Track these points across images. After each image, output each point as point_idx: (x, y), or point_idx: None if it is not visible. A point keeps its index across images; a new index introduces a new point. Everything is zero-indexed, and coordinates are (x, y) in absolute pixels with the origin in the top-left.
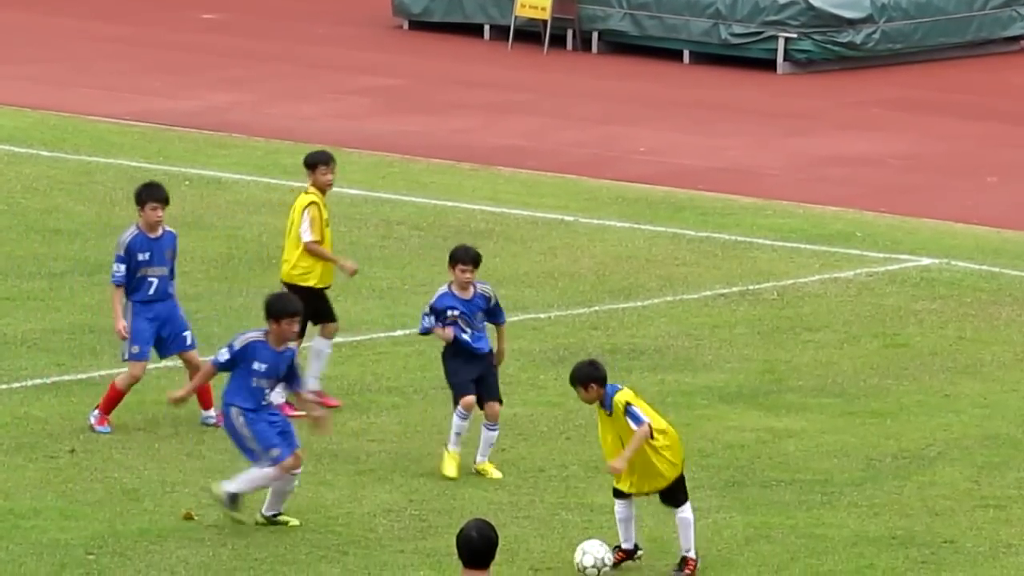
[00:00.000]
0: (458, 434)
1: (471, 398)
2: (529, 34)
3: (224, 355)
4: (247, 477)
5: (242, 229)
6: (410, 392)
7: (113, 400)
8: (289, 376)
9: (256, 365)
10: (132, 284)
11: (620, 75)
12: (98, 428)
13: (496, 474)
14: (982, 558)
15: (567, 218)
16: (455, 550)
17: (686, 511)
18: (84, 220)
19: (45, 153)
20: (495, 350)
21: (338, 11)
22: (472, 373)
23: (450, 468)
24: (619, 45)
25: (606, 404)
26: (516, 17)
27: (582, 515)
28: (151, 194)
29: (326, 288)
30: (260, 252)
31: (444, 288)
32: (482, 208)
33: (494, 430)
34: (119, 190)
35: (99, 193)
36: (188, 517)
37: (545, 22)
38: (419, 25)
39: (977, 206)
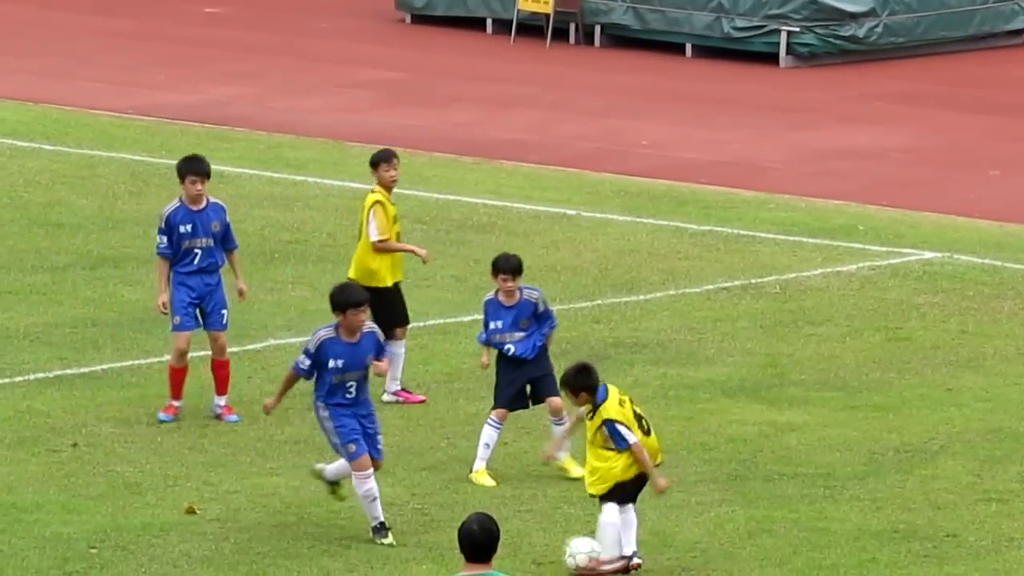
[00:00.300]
0: (487, 445)
1: (503, 411)
2: (531, 28)
3: (304, 362)
4: (337, 465)
5: (244, 223)
6: (412, 386)
7: (174, 381)
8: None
9: (332, 363)
10: (177, 256)
11: (622, 69)
12: (161, 416)
13: (577, 472)
14: (984, 552)
15: (569, 212)
16: (457, 544)
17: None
18: (86, 214)
19: (47, 147)
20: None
21: (341, 4)
22: (520, 381)
23: (486, 479)
24: (621, 39)
25: (593, 409)
26: (519, 11)
27: (584, 509)
28: (190, 167)
29: (397, 283)
30: (263, 246)
31: (491, 295)
32: (484, 202)
33: (562, 423)
34: (121, 184)
35: (101, 187)
36: (190, 511)
37: (548, 16)
38: (422, 19)
39: (979, 199)
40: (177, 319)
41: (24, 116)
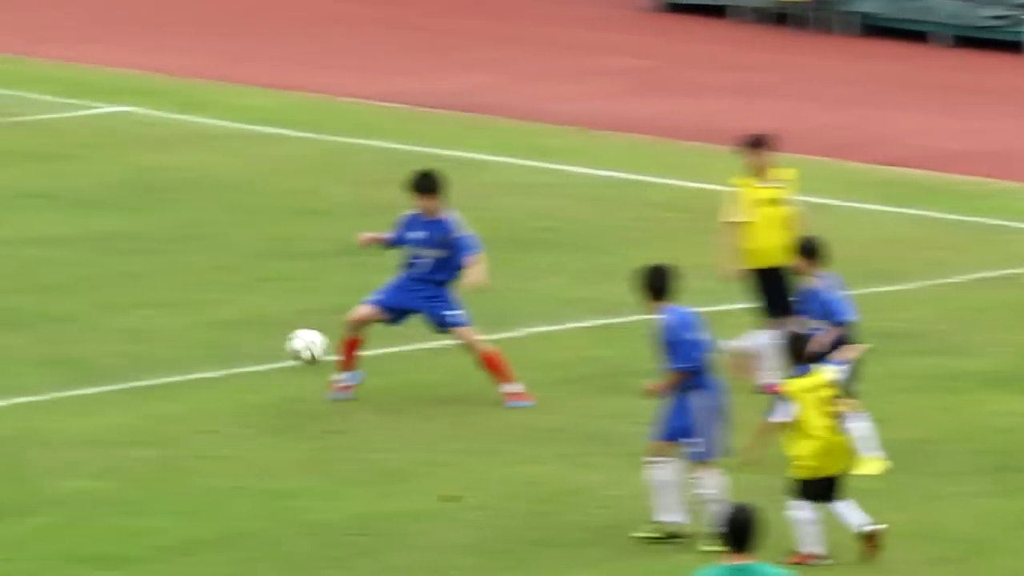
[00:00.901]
0: None
1: None
2: (775, 15)
3: None
4: None
5: (495, 211)
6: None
7: (343, 349)
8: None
9: None
10: (407, 260)
11: (870, 57)
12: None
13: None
14: None
15: (828, 201)
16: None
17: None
18: (339, 201)
19: (299, 134)
20: None
21: None
22: None
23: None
24: (866, 27)
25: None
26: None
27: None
28: (413, 183)
29: (780, 268)
30: (514, 234)
31: None
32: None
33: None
34: (375, 171)
35: (355, 174)
36: (452, 498)
37: (797, 4)
38: (671, 7)
39: None
40: (370, 295)
41: (276, 103)
